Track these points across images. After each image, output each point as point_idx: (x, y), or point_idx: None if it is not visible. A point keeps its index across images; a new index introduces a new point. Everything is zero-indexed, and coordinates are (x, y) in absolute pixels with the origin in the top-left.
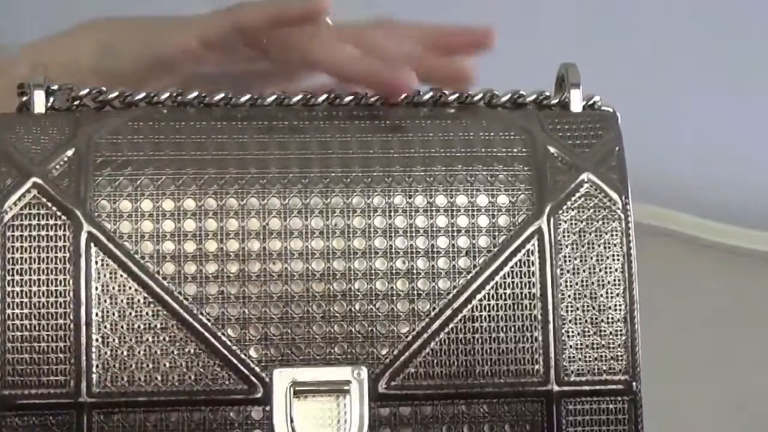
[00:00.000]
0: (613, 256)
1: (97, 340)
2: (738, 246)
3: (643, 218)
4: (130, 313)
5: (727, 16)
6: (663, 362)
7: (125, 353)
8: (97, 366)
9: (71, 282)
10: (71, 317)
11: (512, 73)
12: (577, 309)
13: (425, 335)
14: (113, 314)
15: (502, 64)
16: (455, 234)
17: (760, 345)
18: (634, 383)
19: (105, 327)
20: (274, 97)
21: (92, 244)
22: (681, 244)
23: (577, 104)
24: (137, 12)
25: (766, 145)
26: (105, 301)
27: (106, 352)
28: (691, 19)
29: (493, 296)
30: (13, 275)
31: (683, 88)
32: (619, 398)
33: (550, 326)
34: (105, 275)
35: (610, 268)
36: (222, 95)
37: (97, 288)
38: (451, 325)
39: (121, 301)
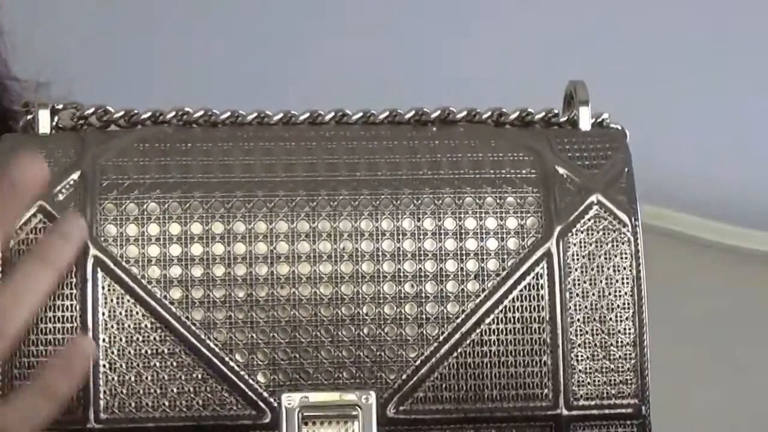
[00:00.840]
0: (623, 279)
1: (104, 365)
2: (738, 246)
3: (643, 218)
4: (138, 339)
5: (727, 14)
6: (662, 362)
7: (133, 379)
8: (104, 392)
9: (78, 307)
10: None
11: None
12: (587, 333)
13: (434, 360)
14: (120, 339)
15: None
16: (464, 257)
17: (760, 345)
18: (643, 407)
19: (112, 353)
20: (280, 115)
21: (99, 269)
22: (681, 244)
23: (585, 122)
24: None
25: (766, 145)
26: (112, 326)
27: (113, 378)
28: (691, 18)
29: (501, 320)
30: None
31: (683, 87)
32: (628, 422)
33: (559, 350)
34: (112, 300)
35: (620, 291)
36: (228, 113)
37: (104, 313)
38: (459, 350)
39: (129, 326)
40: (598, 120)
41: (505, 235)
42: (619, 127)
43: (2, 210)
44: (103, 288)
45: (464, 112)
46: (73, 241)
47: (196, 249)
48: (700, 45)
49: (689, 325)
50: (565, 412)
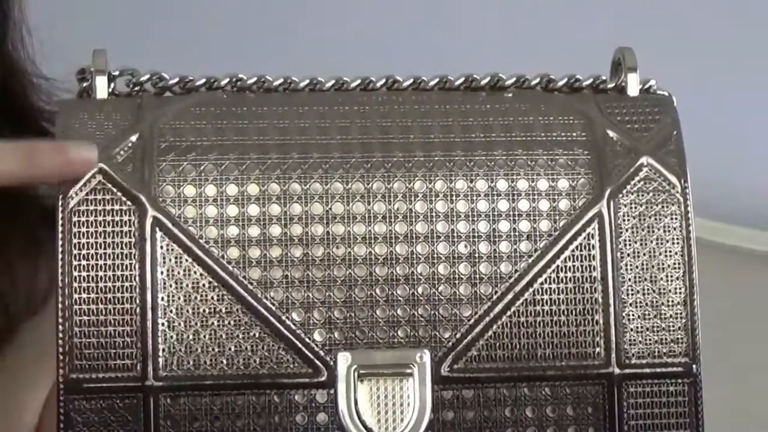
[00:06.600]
0: (673, 239)
1: (162, 324)
2: (738, 246)
3: None
4: (196, 297)
5: (727, 16)
6: None
7: (191, 337)
8: (163, 350)
9: (137, 266)
10: (137, 301)
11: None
12: (638, 292)
13: (487, 318)
14: (179, 298)
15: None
16: (516, 218)
17: (760, 345)
18: (694, 365)
19: (170, 311)
20: (332, 82)
21: (157, 229)
22: None
23: (633, 88)
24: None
25: (766, 145)
26: (170, 285)
27: (171, 336)
28: (691, 19)
29: (554, 280)
30: (79, 260)
31: (682, 87)
32: (680, 380)
33: (611, 309)
34: (170, 260)
35: (670, 251)
36: (281, 80)
37: (162, 272)
38: (513, 309)
39: (187, 285)
40: (645, 86)
41: (556, 196)
42: (666, 93)
43: (41, 160)
44: (161, 248)
45: (513, 79)
46: (68, 160)
47: (253, 209)
48: (700, 44)
49: None
50: (617, 370)
